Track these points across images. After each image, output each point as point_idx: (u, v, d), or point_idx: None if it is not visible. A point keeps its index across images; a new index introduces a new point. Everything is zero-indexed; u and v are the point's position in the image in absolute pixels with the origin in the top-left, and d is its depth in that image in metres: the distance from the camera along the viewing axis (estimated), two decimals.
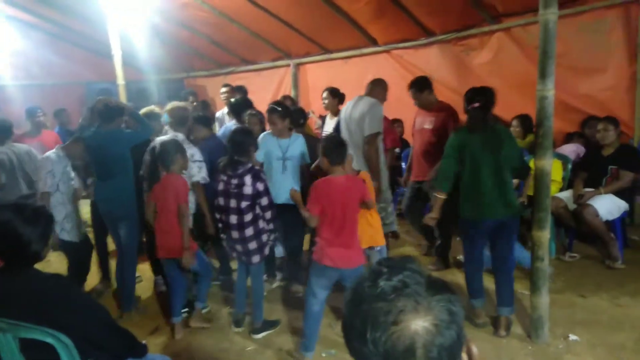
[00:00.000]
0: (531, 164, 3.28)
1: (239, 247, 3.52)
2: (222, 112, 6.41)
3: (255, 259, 3.51)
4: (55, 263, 4.86)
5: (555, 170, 4.57)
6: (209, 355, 3.36)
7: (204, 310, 3.83)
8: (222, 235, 3.64)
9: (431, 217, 3.50)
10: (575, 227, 4.44)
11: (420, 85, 4.38)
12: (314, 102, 7.18)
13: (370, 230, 3.55)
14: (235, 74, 8.53)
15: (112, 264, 4.43)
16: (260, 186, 3.39)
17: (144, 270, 4.58)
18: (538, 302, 3.13)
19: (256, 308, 3.57)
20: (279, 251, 4.42)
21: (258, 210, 3.45)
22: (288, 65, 7.96)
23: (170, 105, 4.12)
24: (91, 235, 4.48)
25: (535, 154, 3.03)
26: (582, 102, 5.19)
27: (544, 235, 3.06)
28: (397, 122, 6.09)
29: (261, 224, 3.48)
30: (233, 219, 3.43)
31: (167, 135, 3.96)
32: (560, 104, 4.74)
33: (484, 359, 3.03)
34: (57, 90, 8.59)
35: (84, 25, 7.59)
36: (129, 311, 3.92)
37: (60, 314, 1.84)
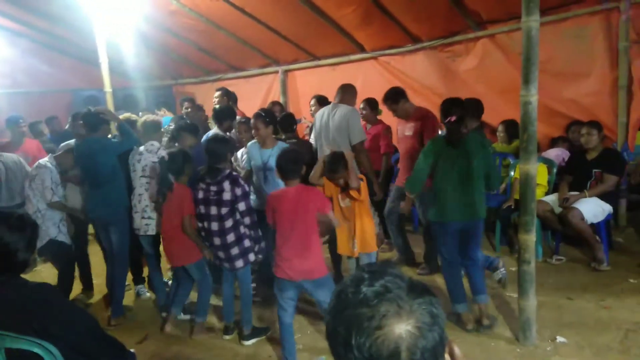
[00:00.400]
0: (517, 168, 3.33)
1: (221, 254, 3.53)
2: None
3: (239, 263, 3.51)
4: (44, 273, 4.82)
5: (541, 174, 4.63)
6: None
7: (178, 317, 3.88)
8: (205, 243, 3.64)
9: (403, 208, 4.29)
10: (562, 230, 4.50)
11: (395, 97, 4.45)
12: (304, 109, 7.18)
13: (363, 235, 3.58)
14: (224, 80, 8.50)
15: (93, 273, 4.49)
16: (238, 191, 3.41)
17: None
18: (525, 304, 3.16)
19: (245, 313, 3.57)
20: None
21: (238, 216, 3.47)
22: (276, 72, 7.95)
23: (142, 118, 4.33)
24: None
25: (520, 158, 3.08)
26: (567, 107, 5.26)
27: (531, 238, 3.10)
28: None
29: (242, 229, 3.50)
30: (214, 225, 3.46)
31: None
32: (545, 109, 4.81)
33: None
34: (44, 98, 8.51)
35: (71, 32, 7.54)
36: (118, 317, 3.94)
37: (48, 323, 1.82)
